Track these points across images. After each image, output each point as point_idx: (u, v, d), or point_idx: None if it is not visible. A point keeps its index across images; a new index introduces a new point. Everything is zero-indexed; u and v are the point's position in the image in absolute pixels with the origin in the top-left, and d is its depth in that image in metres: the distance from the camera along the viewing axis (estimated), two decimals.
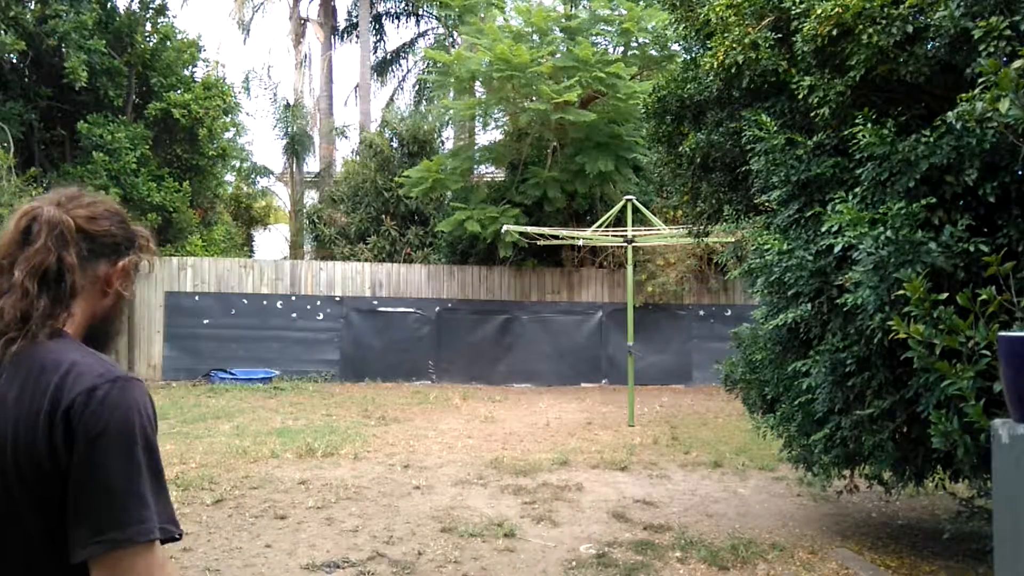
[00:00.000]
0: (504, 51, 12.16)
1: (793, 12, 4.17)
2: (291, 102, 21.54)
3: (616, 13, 13.44)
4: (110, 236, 1.35)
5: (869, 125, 3.63)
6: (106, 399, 1.17)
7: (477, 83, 14.45)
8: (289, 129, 20.26)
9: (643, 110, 6.28)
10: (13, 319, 1.22)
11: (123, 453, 1.17)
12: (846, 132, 3.89)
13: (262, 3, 24.64)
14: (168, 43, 14.58)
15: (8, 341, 1.21)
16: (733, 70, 4.49)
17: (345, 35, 25.56)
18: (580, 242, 12.66)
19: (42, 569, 1.20)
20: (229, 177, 18.95)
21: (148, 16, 14.60)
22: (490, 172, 16.97)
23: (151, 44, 14.47)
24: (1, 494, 1.16)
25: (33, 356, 1.22)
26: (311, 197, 21.02)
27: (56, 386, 1.17)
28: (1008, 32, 3.24)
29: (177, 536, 1.22)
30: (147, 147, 13.84)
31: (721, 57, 4.50)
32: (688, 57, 5.61)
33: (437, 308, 14.31)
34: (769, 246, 4.18)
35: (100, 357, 1.28)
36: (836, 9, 3.79)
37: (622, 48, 14.20)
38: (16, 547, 1.19)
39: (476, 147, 16.02)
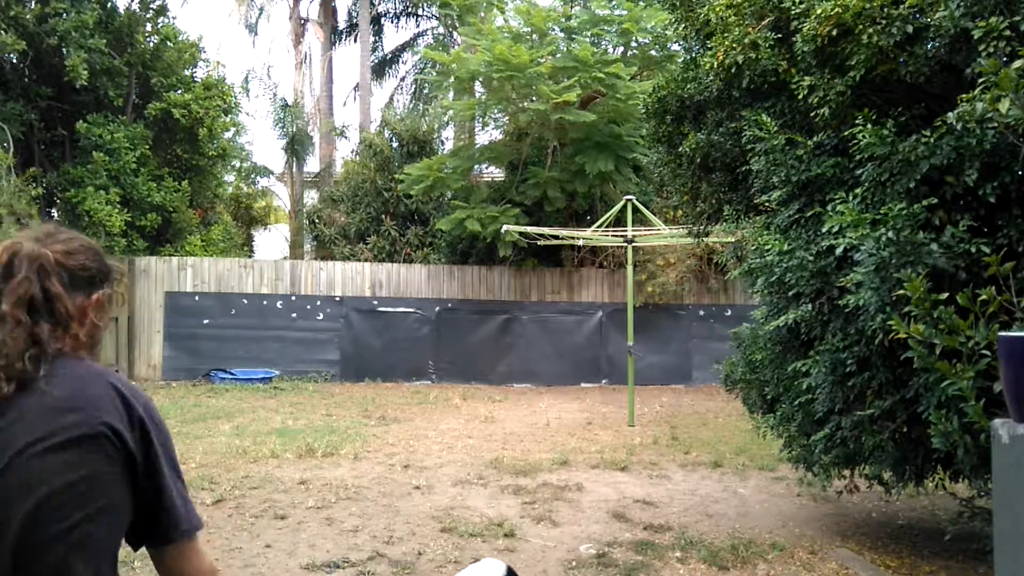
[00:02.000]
0: (504, 51, 12.15)
1: (793, 12, 4.17)
2: (291, 102, 21.52)
3: (616, 13, 13.43)
4: (85, 270, 1.41)
5: (869, 125, 3.63)
6: (155, 413, 1.37)
7: (477, 83, 14.44)
8: (289, 129, 20.24)
9: (643, 110, 6.28)
10: (16, 349, 1.26)
11: (174, 460, 1.40)
12: (846, 132, 3.89)
13: (263, 7, 24.66)
14: (169, 43, 14.57)
15: (34, 359, 1.27)
16: (733, 70, 4.50)
17: (345, 35, 25.57)
18: (580, 242, 12.65)
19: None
20: (229, 177, 18.95)
21: (148, 16, 14.59)
22: (490, 172, 16.95)
23: (151, 44, 14.46)
24: (112, 477, 1.29)
25: (76, 368, 1.32)
26: (311, 197, 20.99)
27: (122, 397, 1.33)
28: (1008, 32, 3.24)
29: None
30: (147, 147, 13.83)
31: (721, 57, 4.50)
32: (688, 57, 5.60)
33: (437, 308, 14.30)
34: (769, 246, 4.18)
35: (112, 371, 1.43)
36: (836, 9, 3.79)
37: (622, 48, 14.19)
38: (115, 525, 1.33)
39: (476, 147, 16.00)
